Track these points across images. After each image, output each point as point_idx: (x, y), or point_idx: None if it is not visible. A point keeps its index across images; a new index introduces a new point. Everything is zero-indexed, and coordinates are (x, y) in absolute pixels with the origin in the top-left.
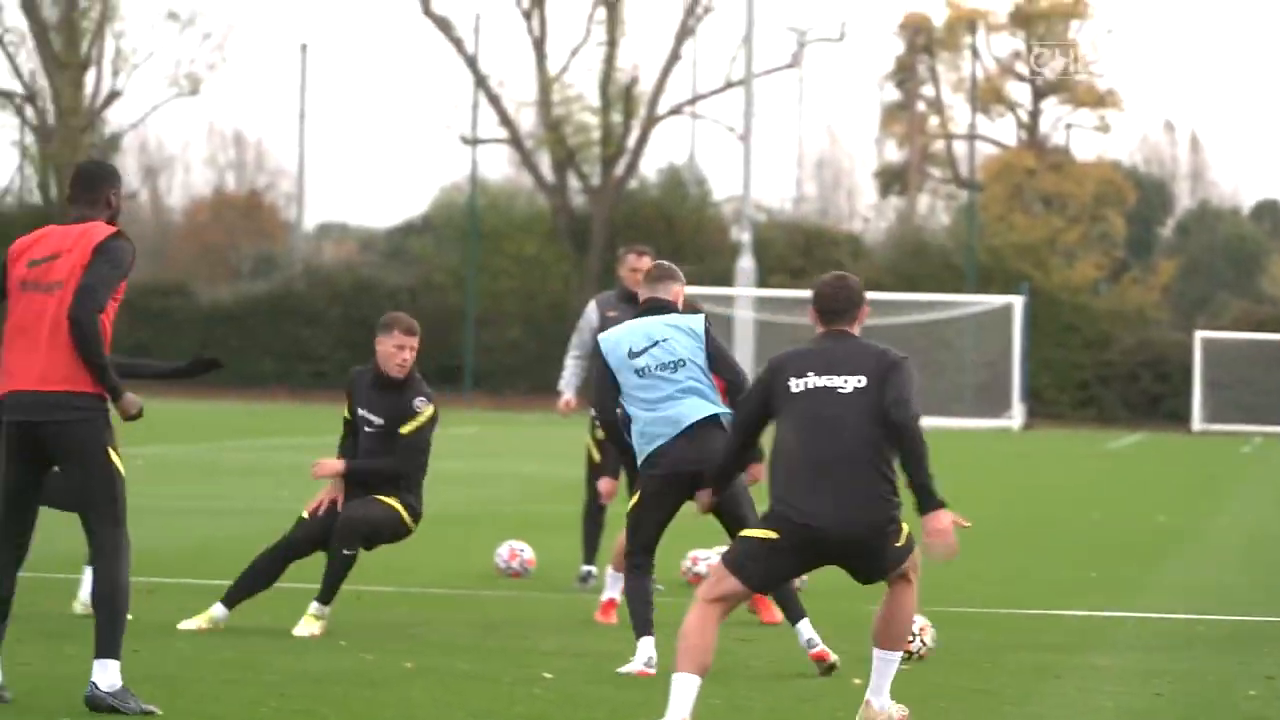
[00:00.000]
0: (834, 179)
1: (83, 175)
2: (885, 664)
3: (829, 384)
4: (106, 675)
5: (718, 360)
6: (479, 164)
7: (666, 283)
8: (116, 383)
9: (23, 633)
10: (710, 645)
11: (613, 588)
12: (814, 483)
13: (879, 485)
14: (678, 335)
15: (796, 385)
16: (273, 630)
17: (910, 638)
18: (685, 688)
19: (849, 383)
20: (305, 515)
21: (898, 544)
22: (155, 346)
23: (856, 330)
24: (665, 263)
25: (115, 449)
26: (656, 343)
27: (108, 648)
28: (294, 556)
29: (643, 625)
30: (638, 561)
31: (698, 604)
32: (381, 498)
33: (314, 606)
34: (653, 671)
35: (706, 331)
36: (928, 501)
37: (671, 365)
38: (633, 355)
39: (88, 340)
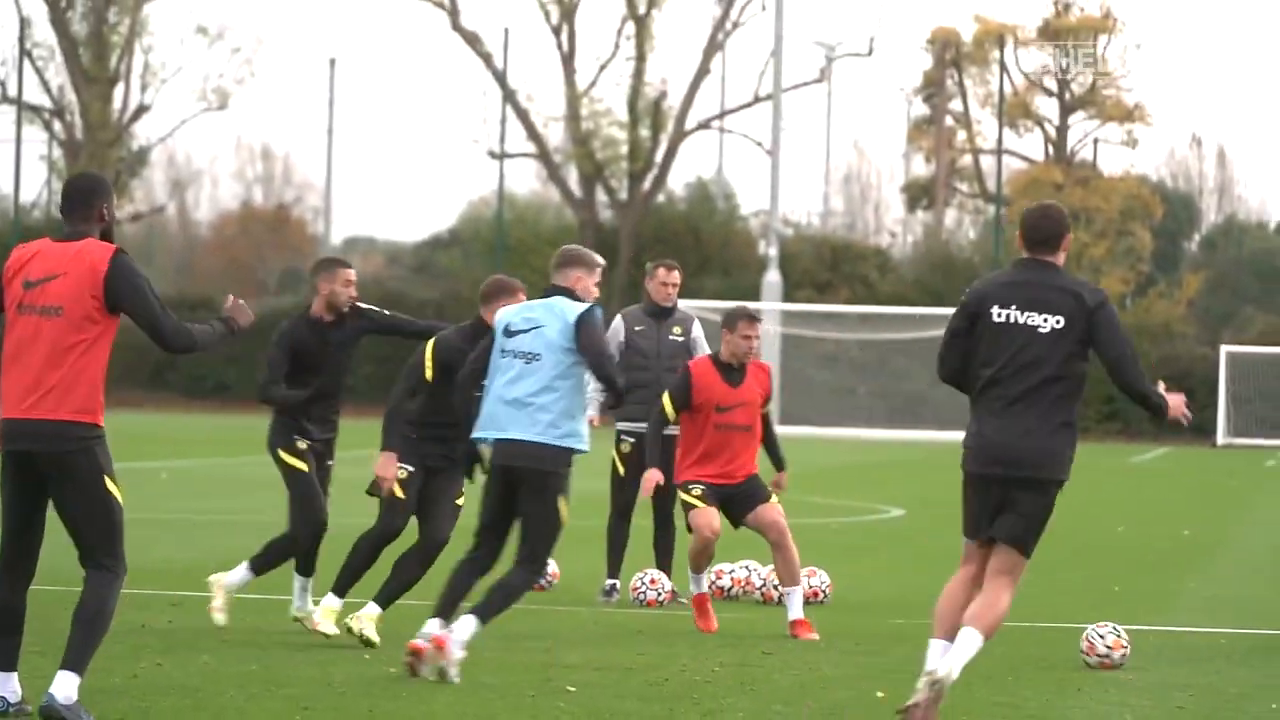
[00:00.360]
0: (861, 193)
1: (76, 190)
2: (970, 644)
3: (1029, 322)
4: (65, 687)
5: (586, 353)
6: (506, 178)
7: (566, 269)
8: (216, 329)
9: (45, 645)
10: (955, 608)
11: (695, 585)
12: (1001, 414)
13: (1062, 420)
14: (552, 322)
15: (999, 315)
16: (297, 643)
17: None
18: (934, 650)
19: (1048, 322)
20: (387, 497)
21: (1053, 489)
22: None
23: (1060, 259)
24: (572, 248)
25: (113, 477)
26: (532, 329)
27: (75, 661)
28: (389, 542)
29: (440, 606)
30: (471, 545)
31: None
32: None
33: (375, 609)
34: (425, 645)
35: (579, 322)
36: (1158, 400)
37: (527, 356)
38: (508, 334)
39: (192, 349)
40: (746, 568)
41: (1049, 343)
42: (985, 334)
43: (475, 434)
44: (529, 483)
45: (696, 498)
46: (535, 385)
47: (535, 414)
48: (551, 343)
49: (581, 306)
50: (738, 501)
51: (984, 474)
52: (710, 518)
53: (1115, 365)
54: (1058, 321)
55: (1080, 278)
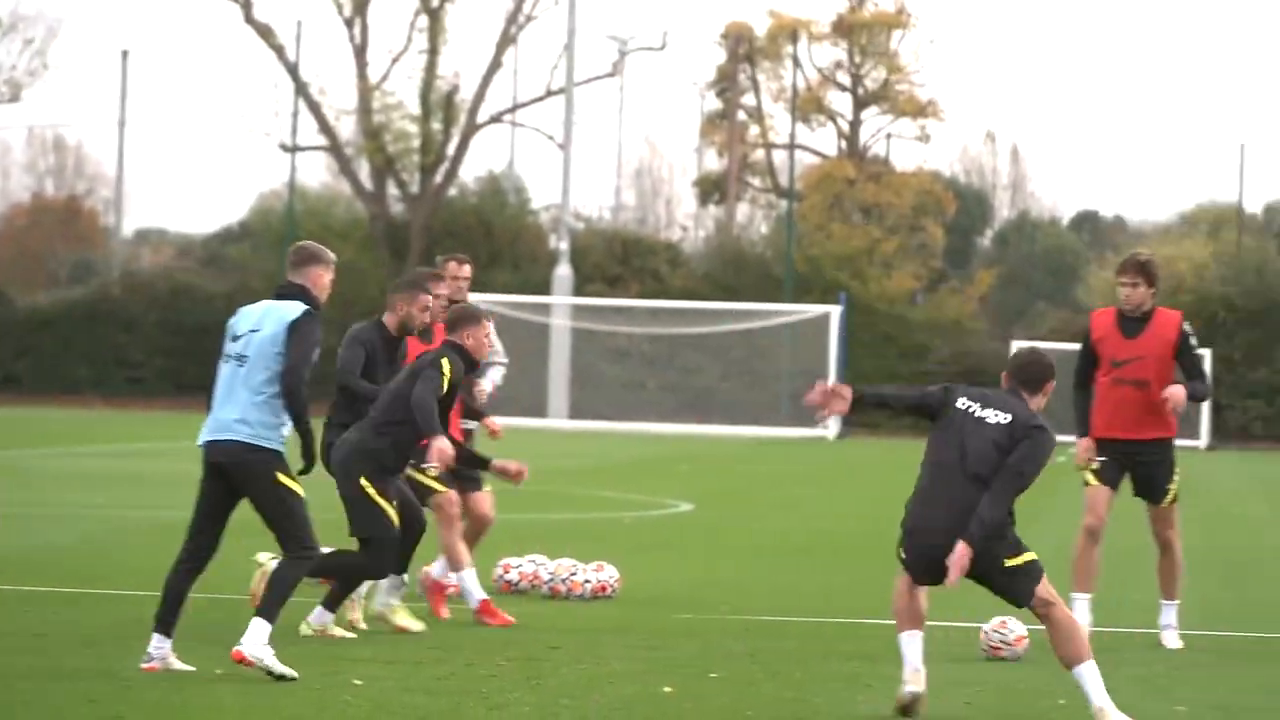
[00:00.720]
0: (653, 187)
1: None
2: (1088, 676)
3: (982, 415)
4: None
5: (286, 358)
6: (298, 171)
7: (305, 268)
8: None
9: None
10: (908, 602)
11: (470, 591)
12: (933, 485)
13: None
14: (269, 326)
15: (963, 404)
16: (83, 636)
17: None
18: (911, 642)
19: (996, 416)
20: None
21: (1011, 562)
22: None
23: (1036, 403)
24: (308, 245)
25: None
26: (250, 332)
27: None
28: None
29: (160, 620)
30: (181, 552)
31: (897, 579)
32: None
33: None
34: (155, 666)
35: (291, 327)
36: (974, 532)
37: (238, 358)
38: (233, 338)
39: None
40: (533, 561)
41: (990, 432)
42: (943, 420)
43: (200, 439)
44: (244, 482)
45: (435, 479)
46: (242, 390)
47: (243, 415)
48: (262, 346)
49: (299, 311)
50: (459, 478)
51: (919, 550)
52: (453, 495)
53: (1004, 472)
54: (1005, 418)
55: (1034, 414)
